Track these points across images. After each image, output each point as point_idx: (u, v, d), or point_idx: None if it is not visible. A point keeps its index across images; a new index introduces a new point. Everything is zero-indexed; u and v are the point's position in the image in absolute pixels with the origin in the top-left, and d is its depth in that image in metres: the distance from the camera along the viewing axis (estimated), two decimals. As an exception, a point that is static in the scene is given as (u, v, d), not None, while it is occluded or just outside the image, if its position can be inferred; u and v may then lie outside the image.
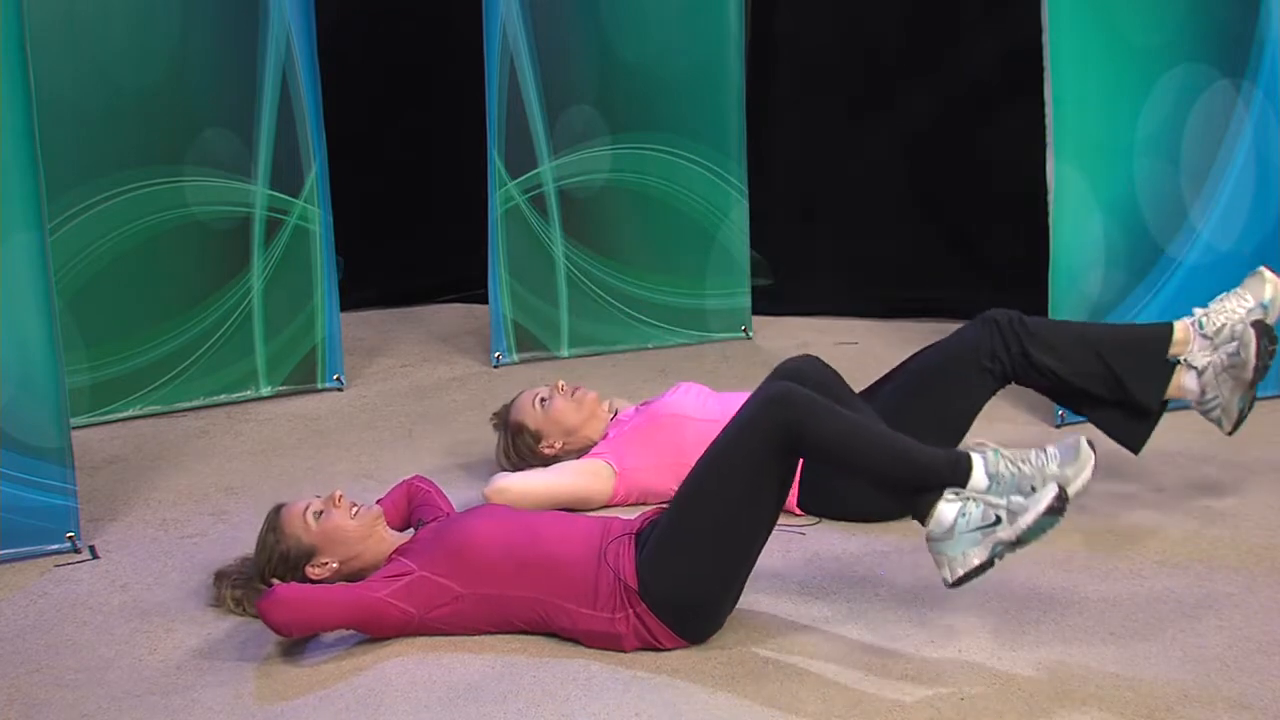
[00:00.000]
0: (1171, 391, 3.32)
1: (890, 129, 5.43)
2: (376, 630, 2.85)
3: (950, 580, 2.69)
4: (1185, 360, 3.30)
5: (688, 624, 2.81)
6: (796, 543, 3.34)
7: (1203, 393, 3.31)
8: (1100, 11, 3.96)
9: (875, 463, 2.77)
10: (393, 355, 4.99)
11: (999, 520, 2.65)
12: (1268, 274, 3.35)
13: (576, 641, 2.84)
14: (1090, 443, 2.76)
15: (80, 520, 3.38)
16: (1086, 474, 2.74)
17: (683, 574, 2.78)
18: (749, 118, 5.05)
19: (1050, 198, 3.99)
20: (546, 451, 3.64)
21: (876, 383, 3.51)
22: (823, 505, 3.45)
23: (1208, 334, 3.30)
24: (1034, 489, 2.69)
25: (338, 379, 4.58)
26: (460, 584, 2.85)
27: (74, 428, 3.48)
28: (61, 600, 3.11)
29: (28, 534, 3.30)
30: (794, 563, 3.23)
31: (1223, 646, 2.81)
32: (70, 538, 3.35)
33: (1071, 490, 2.68)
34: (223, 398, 4.42)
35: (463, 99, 5.01)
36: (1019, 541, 2.64)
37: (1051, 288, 4.02)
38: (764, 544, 2.86)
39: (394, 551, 2.96)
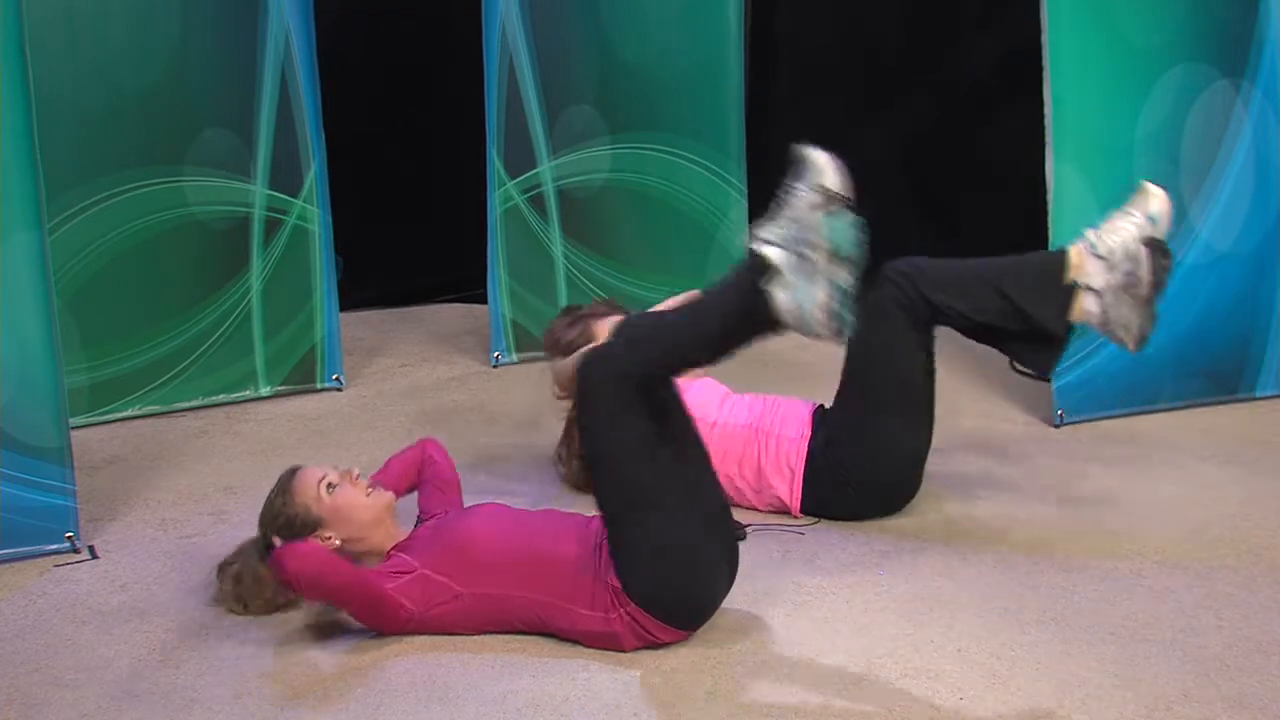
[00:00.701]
0: (1075, 315, 3.32)
1: (890, 129, 5.43)
2: (374, 618, 2.84)
3: (824, 328, 2.65)
4: (1084, 284, 3.31)
5: (675, 612, 2.80)
6: (796, 543, 3.34)
7: (1104, 314, 3.31)
8: (1100, 11, 3.97)
9: (708, 326, 2.79)
10: (392, 355, 4.99)
11: (806, 256, 2.65)
12: (1151, 187, 3.35)
13: (576, 642, 2.84)
14: (809, 146, 2.76)
15: (79, 520, 3.38)
16: (827, 170, 2.73)
17: (644, 564, 2.77)
18: (749, 117, 5.05)
19: (1050, 197, 4.00)
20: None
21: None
22: (822, 506, 3.45)
23: (1101, 254, 3.30)
24: (804, 218, 2.68)
25: (337, 379, 4.58)
26: (459, 583, 2.85)
27: (73, 428, 3.47)
28: (61, 600, 3.11)
29: (27, 534, 3.29)
30: (793, 563, 3.23)
31: (1222, 646, 2.81)
32: (69, 538, 3.35)
33: (826, 184, 2.70)
34: (222, 398, 4.42)
35: (462, 99, 5.01)
36: (832, 252, 2.64)
37: (1051, 287, 4.03)
38: (702, 498, 2.84)
39: (394, 547, 2.96)
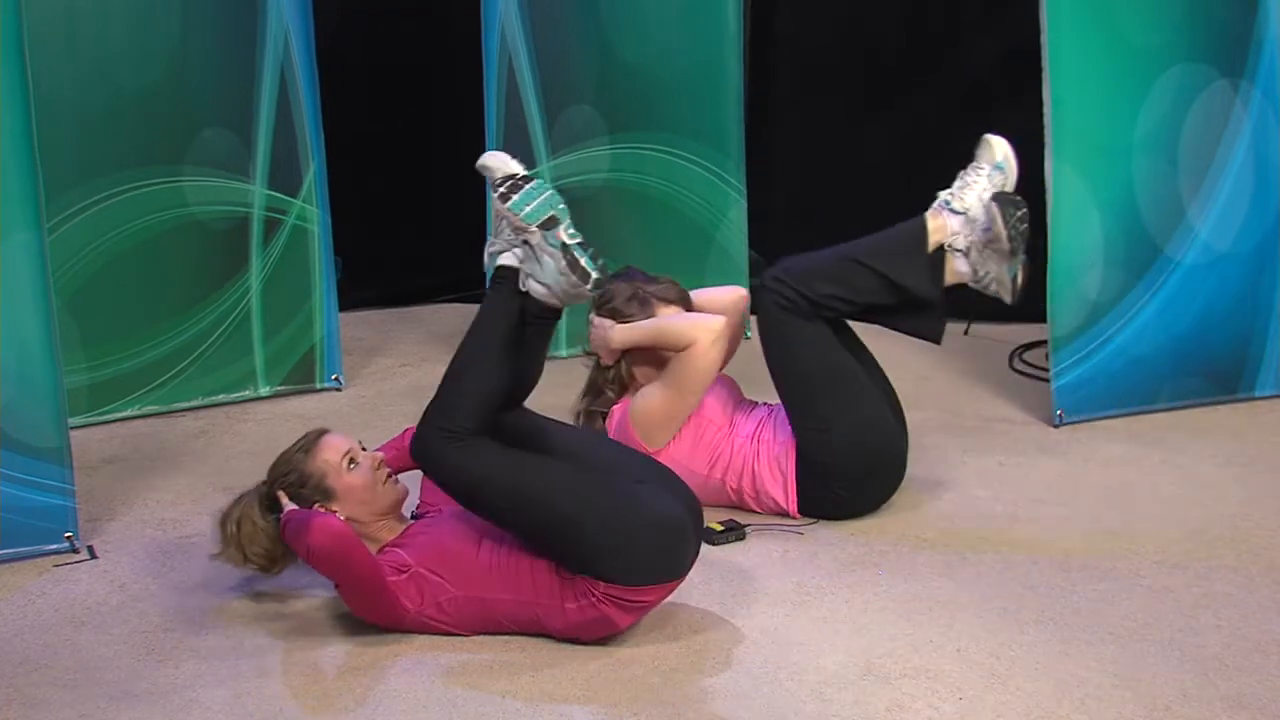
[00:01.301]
0: (949, 278, 3.40)
1: (889, 129, 5.43)
2: (371, 609, 2.84)
3: (552, 293, 2.78)
4: (949, 245, 3.37)
5: (643, 570, 2.76)
6: (795, 542, 3.34)
7: (975, 271, 3.39)
8: (1099, 11, 3.97)
9: (474, 344, 2.90)
10: (391, 355, 4.99)
11: (525, 241, 2.80)
12: (992, 138, 3.44)
13: (574, 641, 2.84)
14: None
15: (79, 520, 3.38)
16: (498, 163, 2.89)
17: (583, 548, 2.76)
18: (748, 118, 5.05)
19: (1049, 197, 4.00)
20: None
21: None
22: (820, 507, 3.45)
23: (958, 210, 3.37)
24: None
25: (336, 379, 4.58)
26: (453, 584, 2.85)
27: (72, 428, 3.47)
28: (60, 600, 3.11)
29: (26, 534, 3.29)
30: (792, 563, 3.23)
31: (1221, 646, 2.81)
32: (69, 538, 3.35)
33: (514, 171, 2.85)
34: (221, 398, 4.41)
35: (461, 99, 5.00)
36: (540, 224, 2.78)
37: (1049, 287, 4.03)
38: (599, 463, 2.87)
39: (389, 543, 2.95)
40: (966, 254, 3.36)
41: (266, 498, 2.98)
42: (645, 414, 3.45)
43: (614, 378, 3.61)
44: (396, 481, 3.05)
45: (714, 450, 3.46)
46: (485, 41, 4.60)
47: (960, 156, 5.06)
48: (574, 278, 2.72)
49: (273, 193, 4.40)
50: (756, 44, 5.44)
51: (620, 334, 3.53)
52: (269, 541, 2.96)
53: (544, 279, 2.76)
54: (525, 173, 2.82)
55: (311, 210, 4.46)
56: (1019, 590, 3.07)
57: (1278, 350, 4.27)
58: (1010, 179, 3.40)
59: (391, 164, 5.56)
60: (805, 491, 3.44)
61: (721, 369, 3.55)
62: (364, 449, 3.04)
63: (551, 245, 2.74)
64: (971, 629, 2.90)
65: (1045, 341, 4.23)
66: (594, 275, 2.73)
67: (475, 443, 2.78)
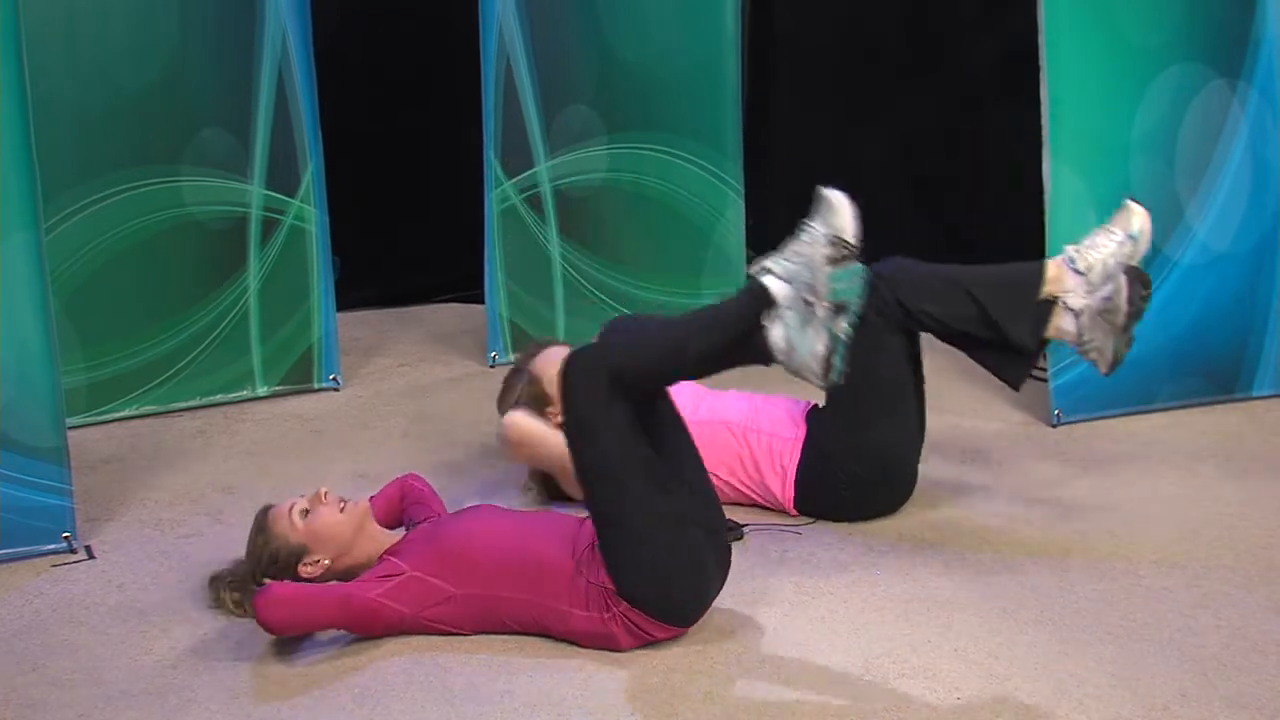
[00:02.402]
0: (1050, 332, 3.32)
1: (887, 128, 5.43)
2: (369, 630, 2.85)
3: (820, 379, 2.72)
4: (1063, 302, 3.30)
5: (670, 610, 2.80)
6: (793, 542, 3.34)
7: (1080, 335, 3.31)
8: (1097, 11, 3.97)
9: (697, 345, 2.79)
10: (389, 355, 4.99)
11: (810, 303, 2.71)
12: (1134, 205, 3.35)
13: (573, 642, 2.84)
14: (831, 190, 2.79)
15: (76, 520, 3.37)
16: (844, 213, 2.77)
17: (634, 564, 2.77)
18: (747, 117, 5.05)
19: (1047, 196, 4.00)
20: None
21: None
22: (819, 507, 3.45)
23: (1080, 270, 3.30)
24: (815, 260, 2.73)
25: (334, 379, 4.58)
26: (452, 584, 2.84)
27: (70, 428, 3.47)
28: (58, 600, 3.11)
29: (24, 534, 3.29)
30: (790, 563, 3.23)
31: (1220, 646, 2.81)
32: (66, 538, 3.34)
33: (840, 232, 2.74)
34: (219, 398, 4.41)
35: (459, 98, 5.00)
36: (836, 305, 2.70)
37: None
38: (687, 505, 2.84)
39: (385, 552, 2.96)
40: (1078, 315, 3.28)
41: (258, 587, 2.96)
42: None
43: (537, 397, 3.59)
44: (352, 501, 3.03)
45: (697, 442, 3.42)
46: (483, 41, 4.60)
47: (957, 156, 5.06)
48: (817, 366, 2.68)
49: (270, 193, 4.40)
50: (755, 44, 5.44)
51: (519, 419, 3.45)
52: None
53: (795, 342, 2.70)
54: (856, 246, 2.72)
55: (309, 210, 4.45)
56: (1017, 590, 3.07)
57: (1276, 350, 4.27)
58: (1140, 252, 3.29)
59: (389, 164, 5.56)
60: (807, 490, 3.44)
61: None
62: (303, 495, 3.03)
63: (826, 328, 2.67)
64: (970, 629, 2.90)
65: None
66: (833, 377, 2.69)
67: (618, 402, 2.75)
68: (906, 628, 2.91)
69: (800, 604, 3.02)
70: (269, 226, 4.41)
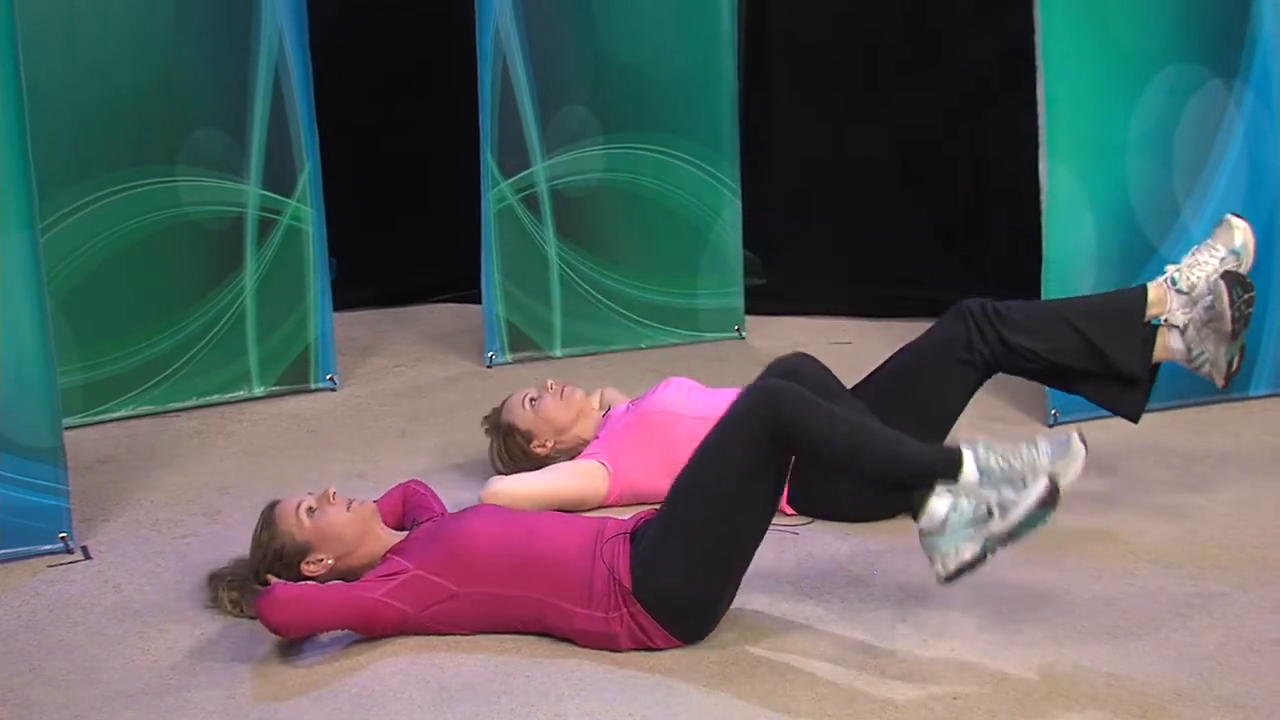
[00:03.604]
0: (1158, 354, 3.27)
1: (884, 128, 5.43)
2: (373, 630, 2.85)
3: (943, 575, 2.68)
4: (1166, 320, 3.26)
5: (683, 624, 2.81)
6: (790, 542, 3.34)
7: (1189, 350, 3.26)
8: (1092, 12, 3.97)
9: (867, 460, 2.77)
10: (386, 355, 4.99)
11: (991, 514, 2.63)
12: (1235, 220, 3.31)
13: (571, 641, 2.84)
14: (1082, 437, 2.72)
15: (73, 520, 3.37)
16: (1077, 467, 2.70)
17: (679, 573, 2.78)
18: (743, 117, 5.05)
19: (1043, 197, 4.00)
20: (539, 451, 3.64)
21: (857, 386, 3.48)
22: (816, 505, 3.45)
23: (1183, 290, 3.25)
24: (1025, 483, 2.66)
25: (331, 379, 4.58)
26: (455, 583, 2.84)
27: (66, 428, 3.47)
28: (54, 601, 3.11)
29: (20, 534, 3.29)
30: (787, 562, 3.23)
31: (1215, 645, 2.81)
32: (63, 538, 3.34)
33: (1063, 484, 2.65)
34: (216, 398, 4.41)
35: (456, 98, 5.00)
36: (1011, 535, 2.62)
37: (1044, 287, 4.02)
38: (758, 543, 2.86)
39: (388, 550, 2.96)
40: (1183, 331, 3.23)
41: (261, 584, 2.96)
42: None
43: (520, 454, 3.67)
44: (358, 501, 3.03)
45: (674, 439, 3.41)
46: (480, 41, 4.60)
47: (955, 155, 5.04)
48: (953, 566, 2.65)
49: (267, 192, 4.40)
50: (751, 43, 5.44)
51: (517, 498, 3.42)
52: None
53: (949, 528, 2.65)
54: (1063, 494, 2.66)
55: (306, 210, 4.45)
56: (1013, 590, 3.07)
57: (1272, 349, 4.27)
58: (1245, 265, 3.25)
59: (386, 164, 5.56)
60: (807, 485, 3.42)
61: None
62: (311, 493, 3.03)
63: (985, 546, 2.63)
64: (965, 628, 2.90)
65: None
66: (960, 573, 2.66)
67: (767, 446, 2.75)
68: (903, 627, 2.91)
69: (797, 602, 3.02)
70: (265, 226, 4.41)
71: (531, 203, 4.81)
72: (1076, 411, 4.12)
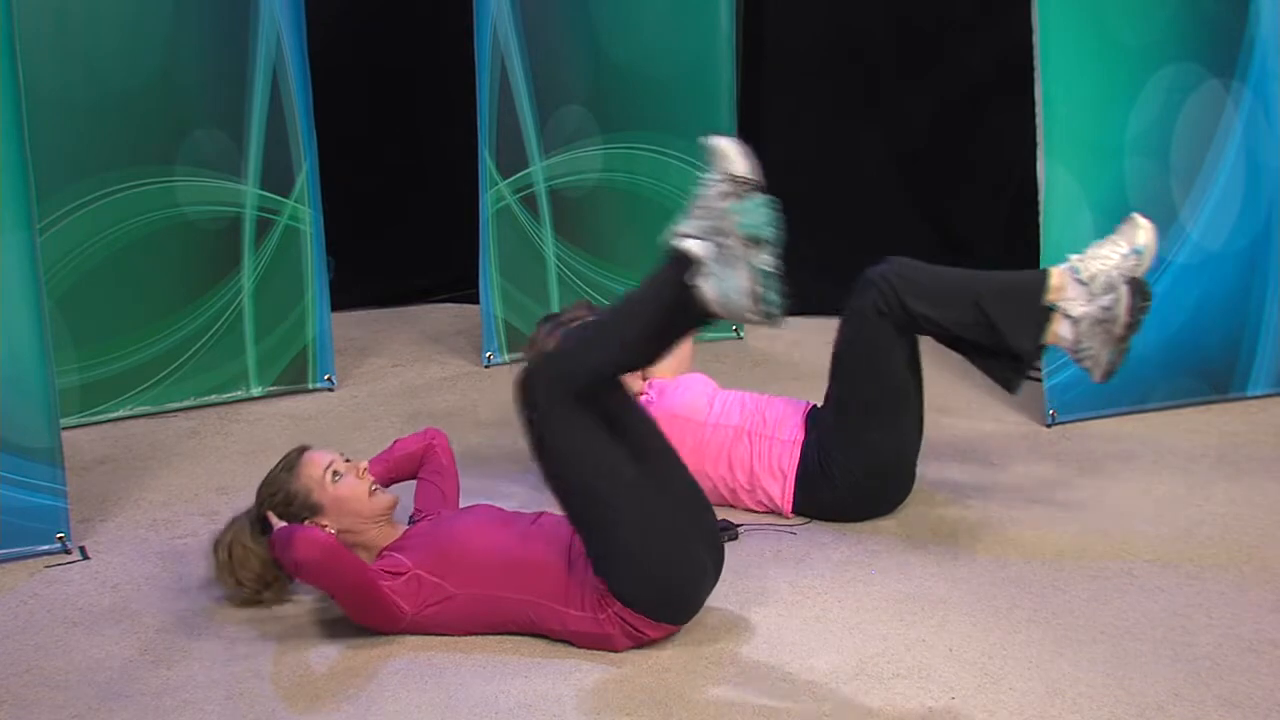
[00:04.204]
0: (1049, 338, 3.33)
1: (882, 128, 5.43)
2: (367, 616, 2.84)
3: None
4: (1062, 309, 3.31)
5: (661, 608, 2.80)
6: (788, 542, 3.34)
7: (1077, 342, 3.32)
8: (1090, 11, 3.97)
9: (642, 320, 2.80)
10: (384, 355, 4.99)
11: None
12: (1141, 220, 3.36)
13: (568, 643, 2.84)
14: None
15: (70, 521, 3.37)
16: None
17: (623, 566, 2.77)
18: (740, 118, 5.05)
19: (1041, 197, 4.00)
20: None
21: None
22: (814, 507, 3.45)
23: (1083, 280, 3.31)
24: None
25: (329, 379, 4.57)
26: (452, 583, 2.85)
27: (64, 428, 3.47)
28: (52, 601, 3.11)
29: (18, 535, 3.29)
30: (785, 562, 3.23)
31: (1213, 645, 2.81)
32: (60, 538, 3.34)
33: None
34: (213, 398, 4.41)
35: (454, 99, 5.00)
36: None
37: (1042, 287, 4.03)
38: (670, 492, 2.84)
39: (387, 547, 2.95)
40: (1076, 323, 3.29)
41: (257, 520, 2.98)
42: None
43: None
44: (382, 491, 3.04)
45: (692, 445, 3.44)
46: (477, 41, 4.60)
47: (952, 155, 5.06)
48: (754, 303, 2.65)
49: (265, 193, 4.39)
50: (748, 44, 5.44)
51: None
52: (260, 565, 2.96)
53: (724, 287, 2.67)
54: (755, 180, 2.73)
55: (303, 210, 4.45)
56: (1012, 590, 3.07)
57: (1269, 349, 4.27)
58: (1145, 266, 3.31)
59: (384, 164, 5.55)
60: (806, 491, 3.44)
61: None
62: (347, 460, 3.03)
63: (746, 263, 2.66)
64: (964, 628, 2.90)
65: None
66: (774, 312, 2.66)
67: (575, 409, 2.75)
68: (901, 627, 2.91)
69: (795, 603, 3.03)
70: (263, 226, 4.41)
71: (529, 202, 4.80)
72: (1075, 412, 4.13)
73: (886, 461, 3.42)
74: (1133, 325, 3.25)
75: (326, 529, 2.92)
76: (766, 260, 2.66)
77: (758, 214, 2.67)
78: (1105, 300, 3.26)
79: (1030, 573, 3.15)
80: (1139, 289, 3.26)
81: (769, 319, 2.67)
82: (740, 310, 2.66)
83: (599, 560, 2.79)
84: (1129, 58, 4.03)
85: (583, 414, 2.76)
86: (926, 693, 2.65)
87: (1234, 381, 4.28)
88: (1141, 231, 3.32)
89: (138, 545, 3.39)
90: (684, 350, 3.79)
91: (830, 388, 3.45)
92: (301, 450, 3.02)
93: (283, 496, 2.94)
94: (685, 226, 2.76)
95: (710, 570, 2.88)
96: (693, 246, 2.71)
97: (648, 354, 2.90)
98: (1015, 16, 4.12)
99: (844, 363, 3.42)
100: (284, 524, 2.91)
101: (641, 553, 2.77)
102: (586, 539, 2.80)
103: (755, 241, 2.65)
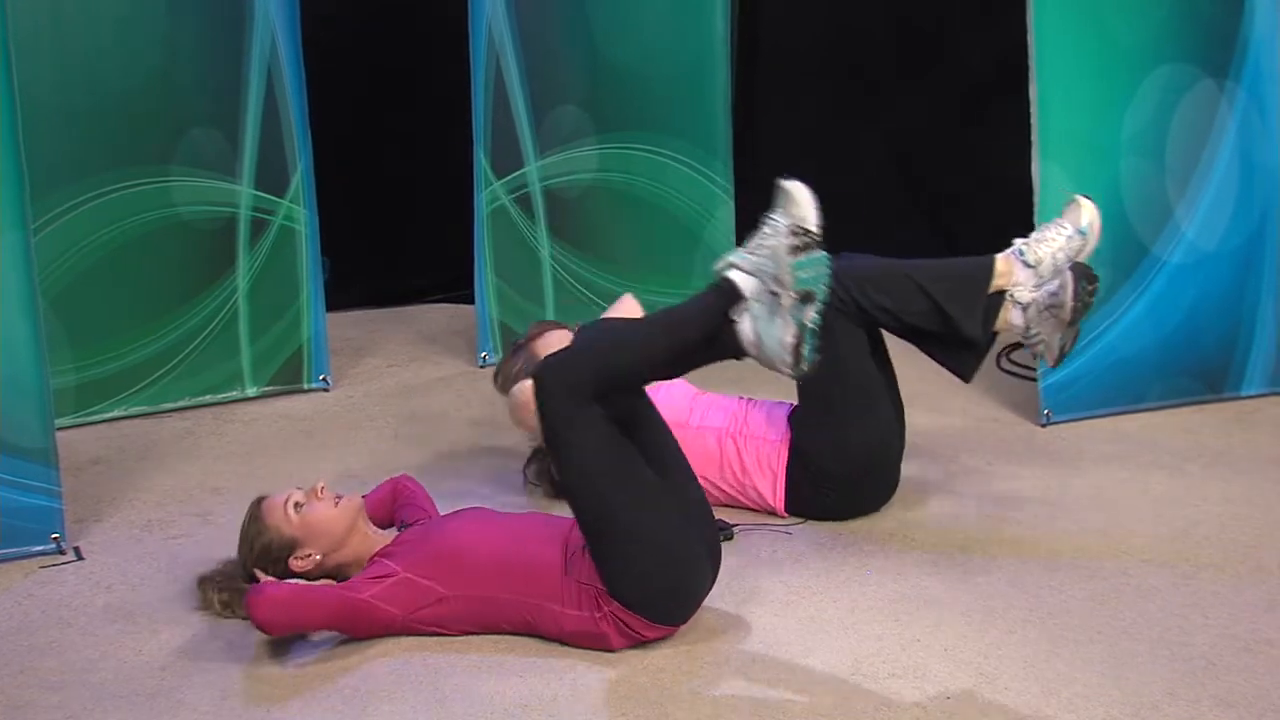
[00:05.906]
0: (999, 324, 3.36)
1: (878, 129, 5.43)
2: (360, 631, 2.85)
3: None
4: (1011, 295, 3.34)
5: (659, 609, 2.81)
6: (783, 542, 3.34)
7: (1027, 328, 3.36)
8: (1086, 11, 3.97)
9: (677, 339, 2.81)
10: (379, 355, 4.98)
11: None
12: (1084, 201, 3.40)
13: (564, 643, 2.84)
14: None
15: (65, 521, 3.37)
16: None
17: (623, 566, 2.77)
18: (737, 118, 5.05)
19: (1036, 197, 4.00)
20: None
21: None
22: (806, 506, 3.45)
23: (1030, 263, 3.33)
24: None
25: (324, 379, 4.57)
26: (444, 585, 2.84)
27: (59, 428, 3.46)
28: (46, 602, 3.10)
29: (12, 535, 3.28)
30: (780, 562, 3.23)
31: (1208, 645, 2.82)
32: (55, 539, 3.34)
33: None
34: (208, 398, 4.40)
35: (449, 98, 4.99)
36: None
37: (1038, 287, 4.03)
38: (675, 495, 2.85)
39: (377, 553, 2.95)
40: (1025, 309, 3.32)
41: (248, 581, 2.96)
42: None
43: None
44: (346, 495, 3.02)
45: (686, 448, 3.42)
46: (473, 41, 4.59)
47: (948, 155, 5.06)
48: (787, 356, 2.68)
49: (259, 193, 4.39)
50: (744, 44, 5.44)
51: (525, 388, 3.34)
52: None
53: (763, 334, 2.70)
54: (818, 234, 2.73)
55: (299, 210, 4.45)
56: (1007, 590, 3.07)
57: (1264, 349, 4.27)
58: (1090, 247, 3.35)
59: (379, 164, 5.54)
60: (796, 491, 3.44)
61: None
62: (299, 488, 3.03)
63: (794, 318, 2.68)
64: (959, 628, 2.90)
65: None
66: (804, 367, 2.70)
67: (595, 407, 2.75)
68: (896, 627, 2.91)
69: (790, 603, 3.03)
70: (258, 227, 4.40)
71: (525, 203, 4.80)
72: (1069, 411, 4.13)
73: (868, 455, 3.41)
74: (1080, 309, 3.29)
75: (310, 556, 2.92)
76: (813, 318, 2.68)
77: (817, 270, 2.69)
78: (1052, 286, 3.31)
79: (1026, 573, 3.15)
80: (1083, 273, 3.30)
81: (800, 374, 2.71)
82: (773, 360, 2.70)
83: (601, 558, 2.78)
84: (1124, 58, 4.03)
85: (593, 412, 2.76)
86: (922, 692, 2.65)
87: (1229, 381, 4.28)
88: (1085, 212, 3.37)
89: (132, 546, 3.39)
90: None
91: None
92: (259, 501, 3.01)
93: (261, 548, 2.94)
94: (740, 260, 2.77)
95: (708, 573, 2.89)
96: (743, 283, 2.74)
97: (668, 370, 2.93)
98: (1014, 16, 4.11)
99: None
100: (271, 578, 2.90)
101: (651, 559, 2.77)
102: (591, 538, 2.80)
103: (808, 299, 2.67)
